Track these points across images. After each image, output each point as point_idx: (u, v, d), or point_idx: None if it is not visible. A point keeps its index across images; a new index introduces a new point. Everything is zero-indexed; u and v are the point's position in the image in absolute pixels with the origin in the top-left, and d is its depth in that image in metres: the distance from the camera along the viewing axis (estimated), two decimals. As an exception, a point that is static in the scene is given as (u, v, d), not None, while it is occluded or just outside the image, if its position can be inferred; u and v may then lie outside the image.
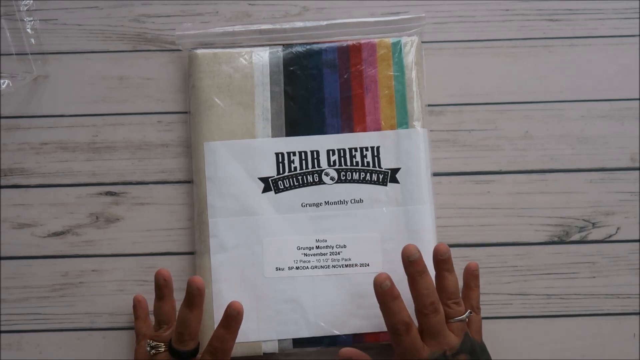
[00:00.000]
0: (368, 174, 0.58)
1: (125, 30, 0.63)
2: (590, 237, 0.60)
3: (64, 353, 0.59)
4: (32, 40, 0.62)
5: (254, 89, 0.59)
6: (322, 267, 0.57)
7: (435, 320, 0.51)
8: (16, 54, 0.62)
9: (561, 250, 0.60)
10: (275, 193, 0.58)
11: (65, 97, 0.62)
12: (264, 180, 0.58)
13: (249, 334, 0.56)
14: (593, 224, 0.60)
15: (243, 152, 0.58)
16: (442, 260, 0.53)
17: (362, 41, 0.60)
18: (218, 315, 0.55)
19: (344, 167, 0.58)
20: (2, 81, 0.60)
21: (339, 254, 0.57)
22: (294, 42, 0.60)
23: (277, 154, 0.58)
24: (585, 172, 0.61)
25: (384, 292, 0.51)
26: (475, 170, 0.61)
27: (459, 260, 0.59)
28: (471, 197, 0.60)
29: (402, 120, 0.59)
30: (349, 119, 0.59)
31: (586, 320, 0.59)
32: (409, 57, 0.60)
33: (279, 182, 0.58)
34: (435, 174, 0.60)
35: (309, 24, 0.60)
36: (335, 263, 0.57)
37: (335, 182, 0.58)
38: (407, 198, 0.58)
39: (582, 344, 0.59)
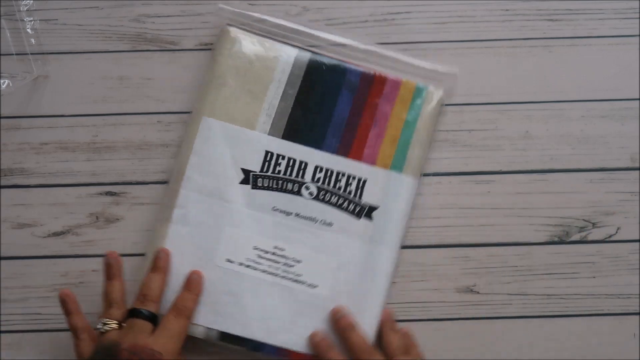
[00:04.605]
0: (346, 202, 0.58)
1: (125, 30, 0.63)
2: (590, 237, 0.60)
3: (64, 353, 0.58)
4: (32, 40, 0.62)
5: (269, 83, 0.59)
6: (271, 273, 0.57)
7: None
8: (16, 54, 0.62)
9: (561, 250, 0.60)
10: (252, 188, 0.58)
11: (65, 97, 0.62)
12: (246, 172, 0.58)
13: None
14: (593, 224, 0.60)
15: (236, 138, 0.58)
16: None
17: (389, 76, 0.59)
18: (171, 282, 0.56)
19: (325, 187, 0.58)
20: (2, 81, 0.60)
21: (291, 266, 0.57)
22: (325, 53, 0.60)
23: (267, 152, 0.58)
24: (585, 172, 0.61)
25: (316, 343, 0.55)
26: (475, 170, 0.61)
27: (459, 260, 0.59)
28: (471, 197, 0.60)
29: (398, 164, 0.58)
30: (348, 144, 0.58)
31: (586, 320, 0.59)
32: (428, 107, 0.59)
33: (259, 179, 0.58)
34: (435, 174, 0.60)
35: (348, 41, 0.60)
36: (285, 274, 0.57)
37: (312, 199, 0.58)
38: (375, 238, 0.57)
39: (582, 344, 0.59)
